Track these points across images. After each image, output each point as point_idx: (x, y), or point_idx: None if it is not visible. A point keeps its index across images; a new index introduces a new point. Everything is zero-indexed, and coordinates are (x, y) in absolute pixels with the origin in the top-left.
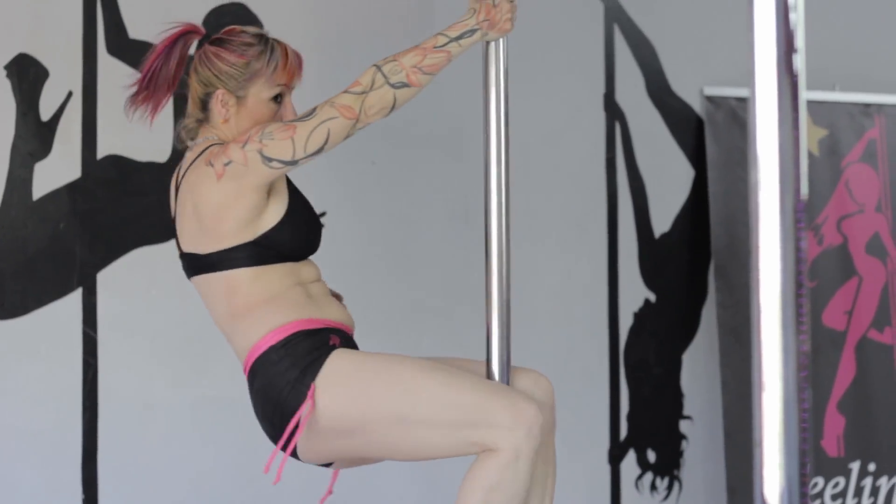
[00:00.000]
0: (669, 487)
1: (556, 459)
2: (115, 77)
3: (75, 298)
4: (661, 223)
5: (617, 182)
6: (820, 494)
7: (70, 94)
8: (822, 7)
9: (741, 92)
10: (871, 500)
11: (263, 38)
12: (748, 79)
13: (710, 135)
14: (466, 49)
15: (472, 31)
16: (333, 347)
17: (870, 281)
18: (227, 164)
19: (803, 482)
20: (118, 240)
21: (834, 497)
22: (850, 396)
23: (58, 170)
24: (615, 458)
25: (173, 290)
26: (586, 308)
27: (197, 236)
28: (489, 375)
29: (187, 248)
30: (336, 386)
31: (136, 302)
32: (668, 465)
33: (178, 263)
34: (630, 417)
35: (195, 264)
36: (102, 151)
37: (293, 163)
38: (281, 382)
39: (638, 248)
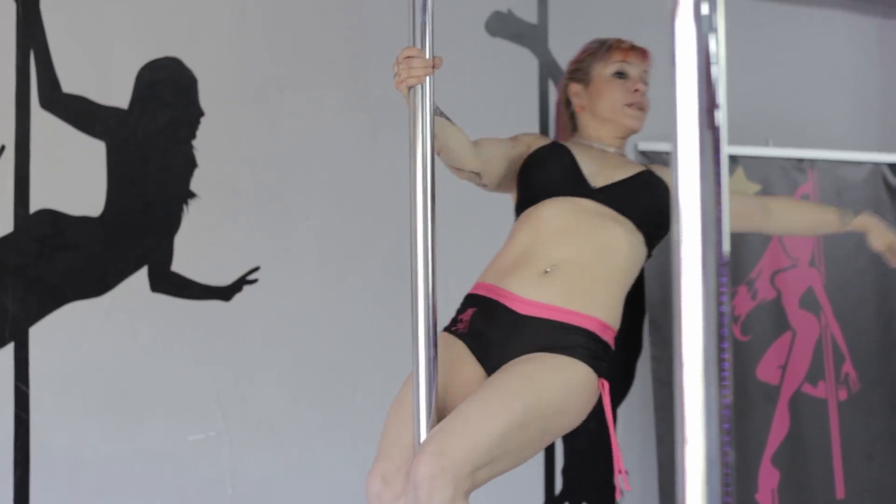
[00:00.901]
0: None
1: None
2: (49, 131)
3: (7, 353)
4: None
5: None
6: None
7: (2, 148)
8: (755, 64)
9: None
10: None
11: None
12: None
13: None
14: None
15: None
16: None
17: (803, 335)
18: None
19: None
20: (50, 294)
21: None
22: (784, 450)
23: None
24: None
25: (106, 344)
26: None
27: None
28: (415, 429)
29: None
30: None
31: (69, 356)
32: None
33: (111, 318)
34: (565, 471)
35: None
36: (35, 206)
37: None
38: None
39: None
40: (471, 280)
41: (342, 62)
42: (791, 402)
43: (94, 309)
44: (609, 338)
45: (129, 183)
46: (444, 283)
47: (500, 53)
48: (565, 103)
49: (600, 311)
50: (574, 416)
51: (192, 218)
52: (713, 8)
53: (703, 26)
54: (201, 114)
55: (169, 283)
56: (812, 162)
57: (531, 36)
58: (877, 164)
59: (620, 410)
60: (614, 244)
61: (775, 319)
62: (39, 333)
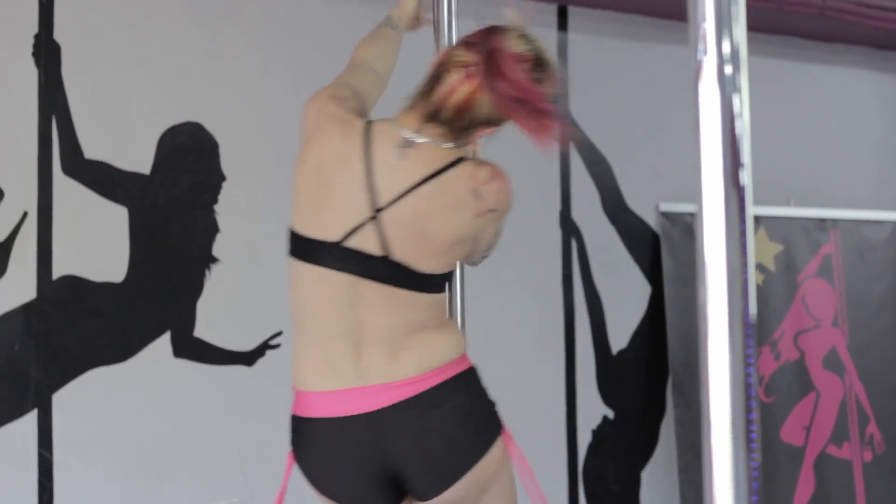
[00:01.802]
0: None
1: None
2: (71, 197)
3: (31, 420)
4: (619, 339)
5: (574, 298)
6: None
7: (25, 215)
8: (775, 123)
9: (696, 208)
10: None
11: None
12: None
13: (666, 251)
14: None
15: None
16: None
17: (827, 396)
18: None
19: None
20: (73, 361)
21: None
22: None
23: (13, 291)
24: None
25: (129, 411)
26: (544, 425)
27: None
28: None
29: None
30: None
31: (92, 423)
32: None
33: (134, 384)
34: None
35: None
36: (58, 272)
37: None
38: (488, 402)
39: (595, 365)
40: (497, 345)
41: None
42: (816, 464)
43: (117, 375)
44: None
45: (152, 248)
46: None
47: None
48: None
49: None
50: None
51: (215, 283)
52: (737, 68)
53: (727, 87)
54: (223, 178)
55: (191, 349)
56: (834, 222)
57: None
58: None
59: (644, 473)
60: None
61: (799, 380)
62: (62, 400)
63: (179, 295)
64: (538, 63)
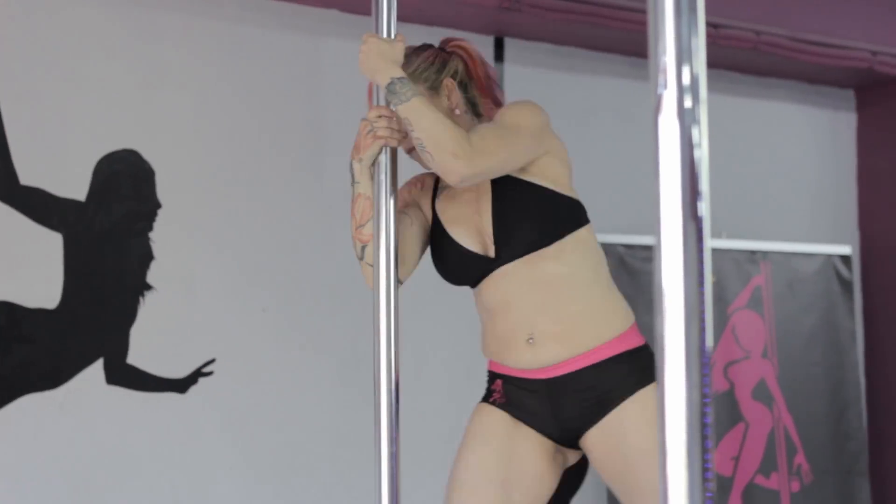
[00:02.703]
0: None
1: None
2: (6, 223)
3: None
4: None
5: None
6: None
7: None
8: (710, 158)
9: (628, 239)
10: None
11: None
12: (653, 226)
13: None
14: (365, 183)
15: (350, 166)
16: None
17: (756, 426)
18: None
19: None
20: (6, 387)
21: None
22: None
23: None
24: None
25: (61, 437)
26: None
27: None
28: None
29: None
30: None
31: (24, 449)
32: None
33: (67, 410)
34: None
35: None
36: None
37: None
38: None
39: None
40: (431, 363)
41: (300, 155)
42: (744, 494)
43: (49, 402)
44: (634, 342)
45: (86, 275)
46: (405, 367)
47: None
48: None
49: (604, 330)
50: None
51: (149, 310)
52: (696, 100)
53: (687, 119)
54: (158, 206)
55: (124, 376)
56: (764, 254)
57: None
58: (829, 256)
59: (575, 502)
60: (554, 274)
61: (728, 411)
62: None
63: (113, 322)
64: None
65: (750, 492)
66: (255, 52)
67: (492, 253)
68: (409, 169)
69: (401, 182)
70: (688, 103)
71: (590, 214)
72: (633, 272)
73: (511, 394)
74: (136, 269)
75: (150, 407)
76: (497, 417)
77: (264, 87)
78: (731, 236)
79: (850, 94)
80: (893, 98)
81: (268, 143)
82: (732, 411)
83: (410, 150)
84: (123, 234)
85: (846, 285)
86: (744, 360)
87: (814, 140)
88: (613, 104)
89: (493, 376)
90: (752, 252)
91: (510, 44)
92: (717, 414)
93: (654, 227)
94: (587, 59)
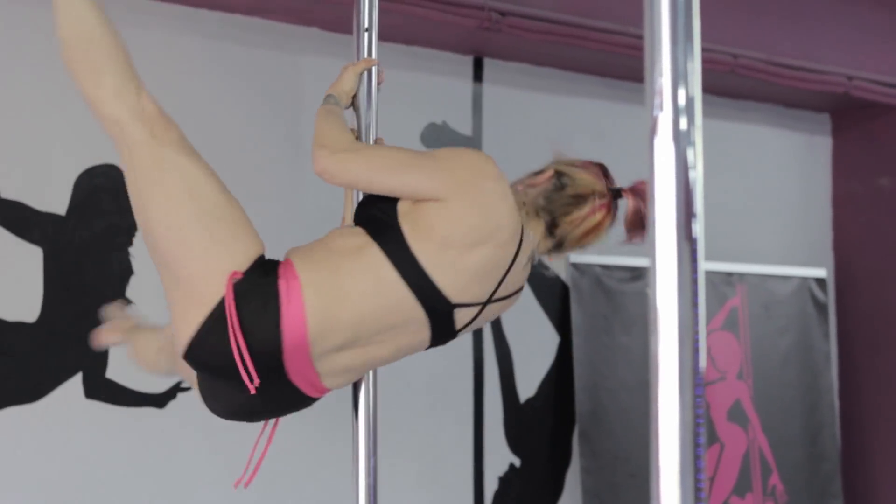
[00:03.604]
0: None
1: None
2: None
3: None
4: (527, 388)
5: (483, 348)
6: None
7: None
8: None
9: (606, 259)
10: None
11: None
12: (648, 248)
13: (575, 301)
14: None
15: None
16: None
17: (731, 447)
18: None
19: None
20: None
21: None
22: None
23: None
24: None
25: (39, 451)
26: (451, 471)
27: None
28: None
29: None
30: None
31: (2, 464)
32: None
33: (46, 424)
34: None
35: None
36: None
37: None
38: None
39: (504, 413)
40: (410, 375)
41: (279, 171)
42: None
43: (28, 415)
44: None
45: (66, 289)
46: (383, 379)
47: None
48: None
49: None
50: None
51: None
52: (691, 122)
53: (682, 141)
54: None
55: (103, 390)
56: (741, 276)
57: (466, 147)
58: (804, 279)
59: None
60: None
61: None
62: None
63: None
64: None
65: None
66: (235, 69)
67: None
68: None
69: None
70: (683, 125)
71: None
72: (609, 293)
73: None
74: (116, 283)
75: (128, 421)
76: None
77: (244, 103)
78: (707, 258)
79: (826, 117)
80: (869, 122)
81: (247, 159)
82: (708, 432)
83: None
84: (104, 248)
85: (821, 308)
86: (719, 381)
87: (790, 163)
88: (591, 125)
89: None
90: (729, 274)
91: (489, 64)
92: None
93: (648, 248)
94: (565, 80)
